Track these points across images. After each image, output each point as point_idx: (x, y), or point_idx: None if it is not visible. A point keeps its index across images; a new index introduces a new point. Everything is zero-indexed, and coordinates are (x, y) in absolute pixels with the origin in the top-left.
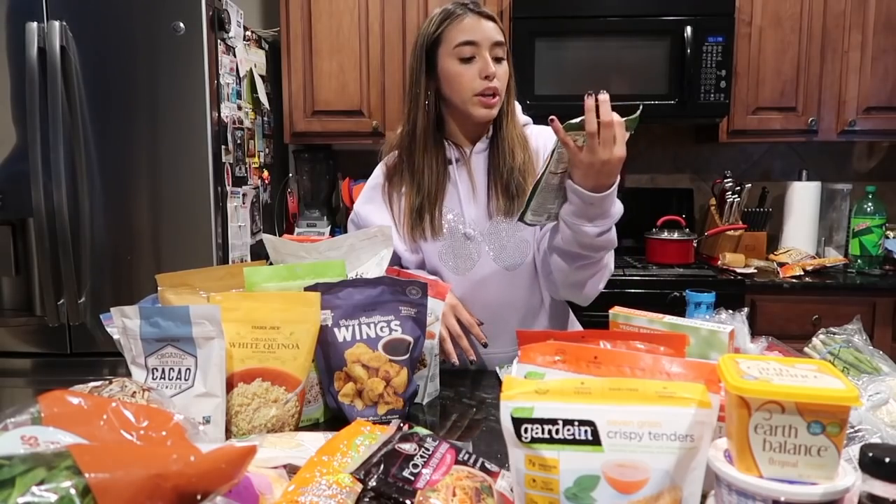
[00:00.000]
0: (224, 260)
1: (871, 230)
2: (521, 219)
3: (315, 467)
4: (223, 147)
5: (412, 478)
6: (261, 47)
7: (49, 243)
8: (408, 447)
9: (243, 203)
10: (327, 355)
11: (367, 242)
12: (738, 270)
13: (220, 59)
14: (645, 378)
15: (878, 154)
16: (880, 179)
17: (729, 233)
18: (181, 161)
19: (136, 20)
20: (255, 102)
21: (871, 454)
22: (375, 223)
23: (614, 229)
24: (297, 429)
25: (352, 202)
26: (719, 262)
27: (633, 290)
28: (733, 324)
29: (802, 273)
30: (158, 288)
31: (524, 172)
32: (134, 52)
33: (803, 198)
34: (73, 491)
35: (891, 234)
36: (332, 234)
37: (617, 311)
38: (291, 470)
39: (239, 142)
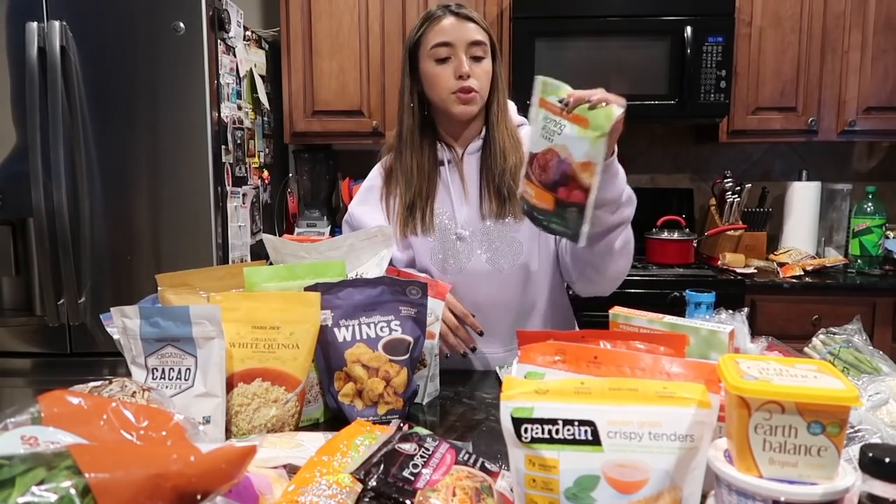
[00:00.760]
0: (224, 260)
1: (871, 230)
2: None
3: (315, 467)
4: (223, 147)
5: (412, 478)
6: (261, 47)
7: (49, 243)
8: (408, 447)
9: (243, 203)
10: (327, 355)
11: (367, 242)
12: (738, 270)
13: (220, 59)
14: (645, 378)
15: (878, 154)
16: (880, 179)
17: (729, 233)
18: (181, 161)
19: (136, 20)
20: (255, 102)
21: (871, 454)
22: (369, 224)
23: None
24: (297, 429)
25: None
26: (719, 262)
27: (633, 290)
28: (733, 324)
29: (802, 273)
30: (158, 288)
31: (515, 174)
32: (134, 52)
33: (803, 198)
34: (73, 491)
35: (891, 234)
36: (332, 234)
37: (617, 311)
38: (291, 470)
39: (239, 142)
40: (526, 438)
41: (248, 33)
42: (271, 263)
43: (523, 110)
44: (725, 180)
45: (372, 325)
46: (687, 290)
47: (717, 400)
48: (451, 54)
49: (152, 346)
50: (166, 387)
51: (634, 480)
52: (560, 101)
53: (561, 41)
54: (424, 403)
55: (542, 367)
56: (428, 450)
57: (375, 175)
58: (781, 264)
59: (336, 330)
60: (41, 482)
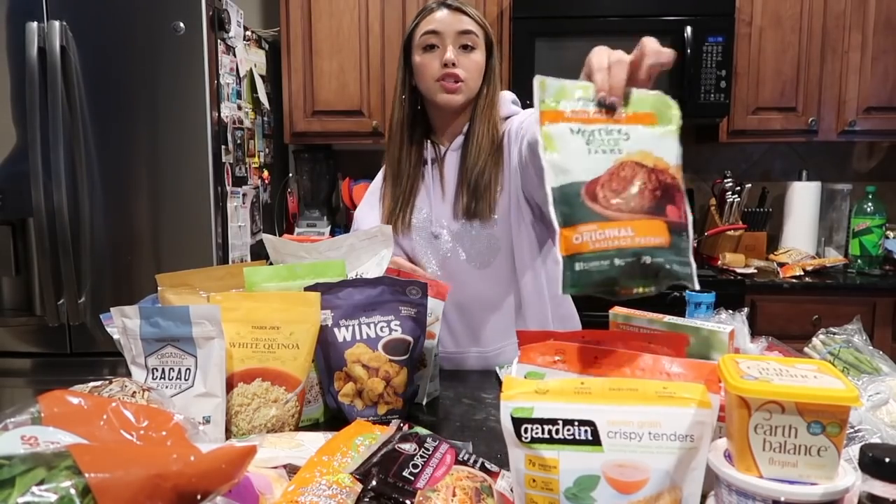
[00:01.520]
0: (224, 260)
1: (871, 230)
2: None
3: (315, 467)
4: (223, 147)
5: (412, 478)
6: (261, 47)
7: (49, 243)
8: (408, 447)
9: (243, 203)
10: (327, 355)
11: (367, 242)
12: (738, 270)
13: (220, 59)
14: (645, 378)
15: (878, 154)
16: (880, 179)
17: (729, 233)
18: (181, 161)
19: (136, 20)
20: (255, 102)
21: (871, 454)
22: (365, 224)
23: None
24: (297, 429)
25: (352, 202)
26: (719, 262)
27: None
28: (733, 324)
29: (802, 273)
30: (158, 288)
31: (485, 170)
32: (134, 52)
33: (803, 198)
34: (73, 491)
35: (891, 234)
36: (332, 234)
37: (617, 311)
38: (291, 470)
39: (239, 142)
40: (526, 438)
41: (248, 33)
42: (271, 263)
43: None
44: (725, 180)
45: (372, 325)
46: (687, 290)
47: (717, 400)
48: (439, 43)
49: (152, 346)
50: (166, 387)
51: (634, 480)
52: (593, 103)
53: (561, 41)
54: (424, 403)
55: (542, 367)
56: (428, 450)
57: (379, 176)
58: (781, 264)
59: (336, 330)
60: (41, 482)
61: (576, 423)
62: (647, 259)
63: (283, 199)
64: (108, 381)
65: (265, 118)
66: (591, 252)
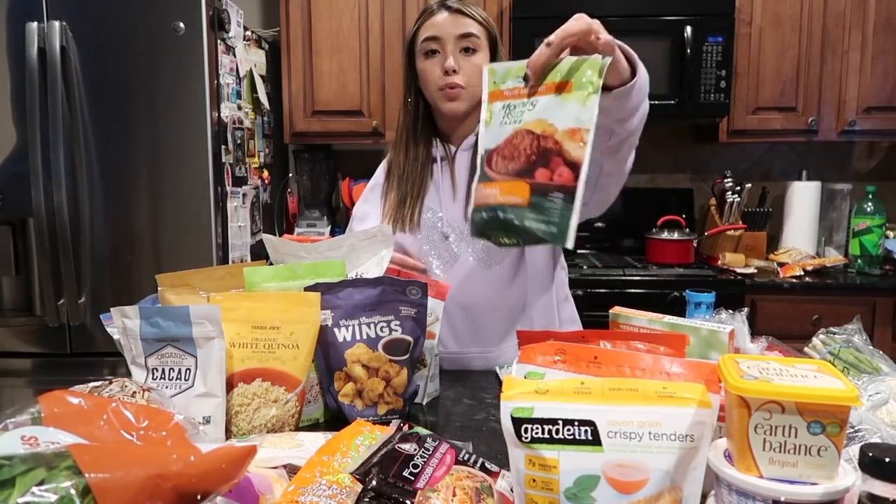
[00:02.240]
0: (224, 260)
1: (871, 230)
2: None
3: (315, 467)
4: (223, 147)
5: (412, 478)
6: (261, 47)
7: (49, 243)
8: (408, 447)
9: (243, 203)
10: (327, 355)
11: (367, 242)
12: (738, 270)
13: (220, 59)
14: (645, 378)
15: (878, 154)
16: (880, 179)
17: (729, 233)
18: (181, 161)
19: (136, 20)
20: (255, 102)
21: (871, 454)
22: (365, 222)
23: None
24: (297, 429)
25: (352, 202)
26: (719, 262)
27: (633, 290)
28: (733, 324)
29: (802, 273)
30: (158, 288)
31: None
32: (134, 52)
33: (803, 198)
34: (73, 491)
35: (891, 234)
36: (332, 234)
37: (617, 311)
38: (291, 470)
39: (239, 142)
40: (526, 438)
41: (248, 33)
42: (271, 263)
43: None
44: (725, 180)
45: (372, 325)
46: (687, 290)
47: (717, 400)
48: (439, 48)
49: (152, 347)
50: (166, 387)
51: (634, 480)
52: (522, 80)
53: None
54: (424, 403)
55: (542, 367)
56: (428, 450)
57: (379, 172)
58: (781, 264)
59: (336, 330)
60: (41, 482)
61: (576, 423)
62: (501, 215)
63: (283, 199)
64: (108, 382)
65: (265, 118)
66: (476, 206)
